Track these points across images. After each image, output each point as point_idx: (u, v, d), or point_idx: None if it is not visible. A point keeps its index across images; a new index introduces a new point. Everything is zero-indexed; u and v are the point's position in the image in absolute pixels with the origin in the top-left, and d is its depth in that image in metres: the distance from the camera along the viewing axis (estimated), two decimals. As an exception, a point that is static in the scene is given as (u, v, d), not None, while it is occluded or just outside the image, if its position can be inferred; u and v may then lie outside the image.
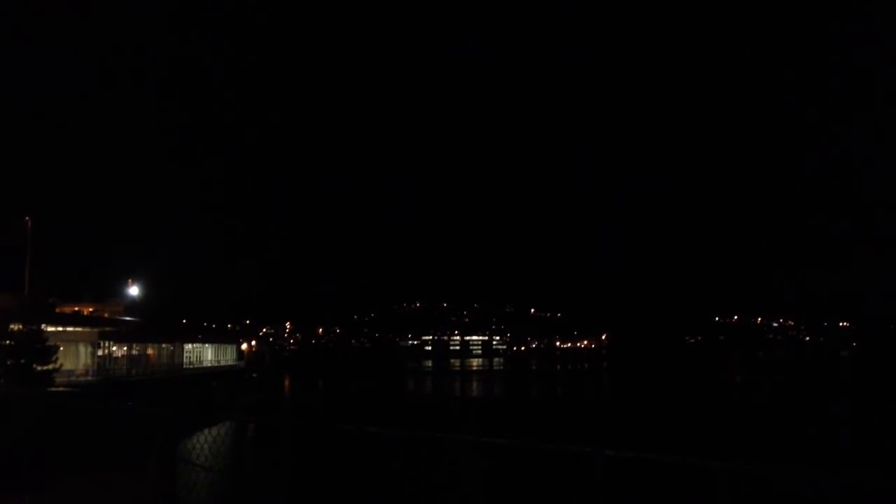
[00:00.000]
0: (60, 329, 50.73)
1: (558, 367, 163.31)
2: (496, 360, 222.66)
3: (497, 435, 4.38)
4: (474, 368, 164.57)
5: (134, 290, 74.12)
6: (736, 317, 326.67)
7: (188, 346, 71.61)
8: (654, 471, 3.82)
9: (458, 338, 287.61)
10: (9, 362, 36.72)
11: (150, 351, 62.95)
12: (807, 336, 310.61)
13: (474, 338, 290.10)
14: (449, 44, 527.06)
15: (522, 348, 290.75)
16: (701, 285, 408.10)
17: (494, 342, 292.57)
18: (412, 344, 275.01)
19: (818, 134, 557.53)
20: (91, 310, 68.89)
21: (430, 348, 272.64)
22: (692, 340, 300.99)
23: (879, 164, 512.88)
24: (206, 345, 79.50)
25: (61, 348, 43.22)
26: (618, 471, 3.83)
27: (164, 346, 65.37)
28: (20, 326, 38.92)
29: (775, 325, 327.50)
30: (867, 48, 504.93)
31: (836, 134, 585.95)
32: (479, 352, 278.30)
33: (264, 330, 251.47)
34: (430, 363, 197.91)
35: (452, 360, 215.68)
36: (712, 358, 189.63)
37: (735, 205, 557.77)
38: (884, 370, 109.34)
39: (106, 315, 66.39)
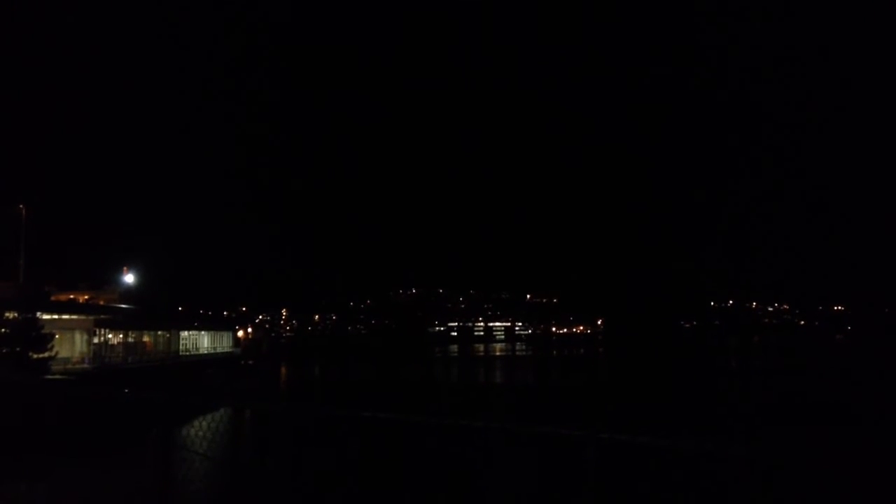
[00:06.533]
0: (56, 317, 50.61)
1: (554, 352, 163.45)
2: (518, 344, 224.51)
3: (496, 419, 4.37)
4: (497, 354, 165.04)
5: (129, 278, 73.92)
6: (731, 301, 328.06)
7: (184, 334, 71.45)
8: (648, 454, 3.83)
9: (482, 324, 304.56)
10: (4, 350, 36.69)
11: (145, 338, 62.91)
12: (801, 320, 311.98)
13: (497, 324, 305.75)
14: (444, 36, 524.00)
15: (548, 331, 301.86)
16: (696, 270, 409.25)
17: (517, 328, 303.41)
18: (439, 330, 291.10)
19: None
20: (86, 298, 68.65)
21: (455, 334, 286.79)
22: (687, 325, 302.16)
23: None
24: (203, 332, 79.32)
25: (57, 336, 43.19)
26: (612, 454, 3.83)
27: (159, 333, 65.25)
28: (15, 315, 38.81)
29: (770, 309, 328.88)
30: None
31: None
32: (502, 337, 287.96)
33: (260, 317, 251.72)
34: (455, 348, 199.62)
35: (476, 346, 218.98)
36: (708, 342, 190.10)
37: (730, 189, 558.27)
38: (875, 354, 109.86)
39: (101, 303, 66.18)
